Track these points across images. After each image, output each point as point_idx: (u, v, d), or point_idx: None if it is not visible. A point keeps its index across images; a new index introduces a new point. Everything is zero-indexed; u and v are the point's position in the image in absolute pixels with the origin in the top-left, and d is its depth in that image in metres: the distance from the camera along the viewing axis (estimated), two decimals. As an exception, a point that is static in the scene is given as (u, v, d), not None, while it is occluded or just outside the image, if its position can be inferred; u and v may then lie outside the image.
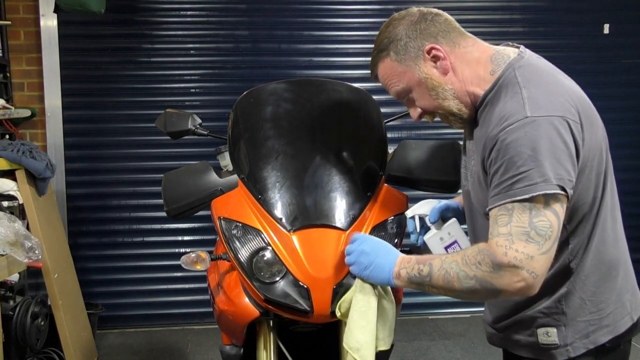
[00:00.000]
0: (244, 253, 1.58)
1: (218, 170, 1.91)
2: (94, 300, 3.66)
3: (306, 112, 1.85)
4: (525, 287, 1.17)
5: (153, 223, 3.87)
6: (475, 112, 1.34)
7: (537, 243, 1.15)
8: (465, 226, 1.51)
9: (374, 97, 1.96)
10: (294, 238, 1.56)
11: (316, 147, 1.76)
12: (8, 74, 3.64)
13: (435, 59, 1.32)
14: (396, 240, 1.63)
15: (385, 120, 1.92)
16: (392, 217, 1.67)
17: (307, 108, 1.86)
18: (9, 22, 3.62)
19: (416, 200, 1.63)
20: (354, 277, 1.45)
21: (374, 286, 1.42)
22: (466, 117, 1.35)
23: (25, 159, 2.91)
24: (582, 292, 1.30)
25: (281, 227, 1.59)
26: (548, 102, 1.21)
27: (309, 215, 1.61)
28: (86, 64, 3.78)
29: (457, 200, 1.59)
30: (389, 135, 1.91)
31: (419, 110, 1.39)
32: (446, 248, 1.50)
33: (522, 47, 1.36)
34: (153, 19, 3.85)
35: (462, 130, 1.46)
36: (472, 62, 1.33)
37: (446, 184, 1.77)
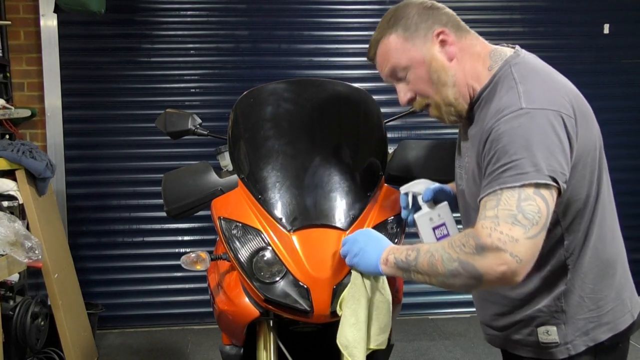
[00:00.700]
0: (244, 253, 1.58)
1: (218, 170, 1.91)
2: (94, 300, 3.66)
3: (306, 112, 1.85)
4: (507, 271, 1.12)
5: (153, 223, 3.87)
6: (471, 108, 1.35)
7: (523, 226, 1.12)
8: (457, 214, 1.51)
9: (374, 97, 1.96)
10: (294, 238, 1.56)
11: (316, 147, 1.76)
12: (8, 74, 3.64)
13: (443, 43, 1.32)
14: (396, 240, 1.63)
15: (385, 120, 1.92)
16: (392, 217, 1.67)
17: (307, 108, 1.86)
18: (9, 22, 3.62)
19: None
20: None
21: (366, 282, 1.42)
22: (460, 108, 1.34)
23: (25, 159, 2.91)
24: (581, 290, 1.30)
25: (281, 227, 1.59)
26: (543, 96, 1.21)
27: (309, 215, 1.61)
28: (86, 64, 3.78)
29: (450, 187, 1.59)
30: (389, 135, 1.91)
31: (410, 94, 1.37)
32: (434, 229, 1.51)
33: (517, 46, 1.37)
34: (153, 19, 3.85)
35: None
36: (473, 55, 1.34)
37: (446, 184, 1.77)
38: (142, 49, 3.84)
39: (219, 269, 1.77)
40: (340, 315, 1.48)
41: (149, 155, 3.85)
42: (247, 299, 1.62)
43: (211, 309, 1.83)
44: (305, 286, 1.51)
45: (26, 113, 3.47)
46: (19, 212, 2.99)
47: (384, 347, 1.49)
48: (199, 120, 2.06)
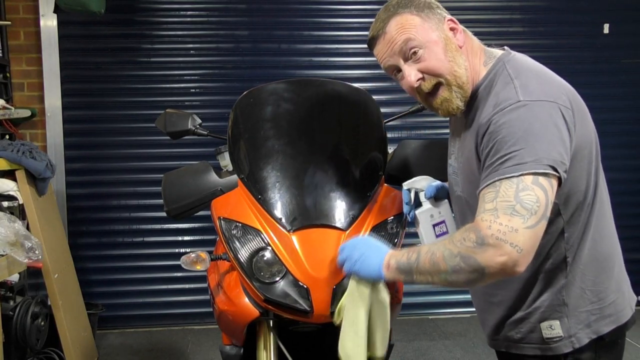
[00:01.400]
0: (243, 253, 1.58)
1: (218, 170, 1.91)
2: (94, 300, 3.66)
3: (306, 112, 1.85)
4: (509, 261, 1.13)
5: (153, 223, 3.87)
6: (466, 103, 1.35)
7: (522, 216, 1.13)
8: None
9: (374, 97, 1.96)
10: (294, 238, 1.57)
11: (316, 147, 1.76)
12: (8, 74, 3.64)
13: (454, 31, 1.33)
14: (396, 240, 1.64)
15: (385, 120, 1.92)
16: (392, 217, 1.67)
17: (307, 108, 1.86)
18: (9, 22, 3.62)
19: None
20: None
21: (364, 290, 1.40)
22: (466, 96, 1.32)
23: (25, 159, 2.91)
24: (582, 282, 1.31)
25: (281, 227, 1.59)
26: (540, 89, 1.23)
27: (308, 215, 1.61)
28: (86, 64, 3.78)
29: None
30: (389, 135, 1.91)
31: (419, 74, 1.30)
32: (434, 226, 1.54)
33: (506, 47, 1.39)
34: (153, 19, 3.85)
35: None
36: (473, 49, 1.36)
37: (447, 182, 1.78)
38: (142, 49, 3.84)
39: (219, 269, 1.77)
40: (338, 324, 1.46)
41: (149, 155, 3.85)
42: (247, 299, 1.63)
43: (211, 309, 1.83)
44: (305, 286, 1.51)
45: (26, 113, 3.47)
46: (19, 213, 2.99)
47: (383, 354, 1.49)
48: (199, 121, 2.06)
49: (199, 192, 1.83)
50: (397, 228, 1.65)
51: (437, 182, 1.57)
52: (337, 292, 1.51)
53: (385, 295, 1.43)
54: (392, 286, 1.56)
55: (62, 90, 3.73)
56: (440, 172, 1.69)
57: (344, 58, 3.93)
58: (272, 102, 1.88)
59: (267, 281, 1.55)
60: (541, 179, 1.15)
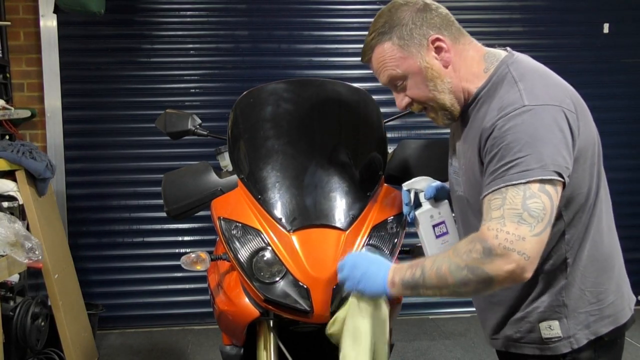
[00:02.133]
0: (243, 253, 1.58)
1: (218, 170, 1.91)
2: (94, 300, 3.66)
3: (306, 112, 1.85)
4: (517, 269, 1.14)
5: (153, 223, 3.87)
6: (466, 109, 1.35)
7: (529, 225, 1.14)
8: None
9: (374, 97, 1.96)
10: (294, 238, 1.57)
11: (316, 147, 1.76)
12: (8, 75, 3.64)
13: (439, 50, 1.32)
14: (396, 240, 1.64)
15: (385, 120, 1.92)
16: (392, 217, 1.67)
17: (307, 108, 1.86)
18: (9, 23, 3.62)
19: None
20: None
21: (366, 308, 1.38)
22: (456, 113, 1.36)
23: (25, 160, 2.91)
24: (582, 283, 1.31)
25: (281, 227, 1.59)
26: (544, 92, 1.23)
27: (308, 215, 1.61)
28: (86, 64, 3.78)
29: None
30: (389, 135, 1.91)
31: (407, 99, 1.38)
32: (434, 226, 1.54)
33: (508, 48, 1.38)
34: (153, 19, 3.85)
35: None
36: (468, 59, 1.35)
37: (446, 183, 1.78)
38: (142, 50, 3.84)
39: (219, 269, 1.77)
40: (332, 334, 1.45)
41: (149, 155, 3.85)
42: (247, 299, 1.63)
43: (211, 309, 1.83)
44: (305, 286, 1.51)
45: (26, 114, 3.47)
46: (19, 213, 2.99)
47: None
48: (199, 121, 2.06)
49: (199, 193, 1.83)
50: (397, 228, 1.65)
51: (437, 183, 1.57)
52: (337, 292, 1.51)
53: (385, 311, 1.42)
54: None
55: (62, 90, 3.73)
56: (440, 172, 1.69)
57: (344, 58, 3.93)
58: (272, 102, 1.88)
59: (267, 281, 1.55)
60: (547, 185, 1.15)
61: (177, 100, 3.84)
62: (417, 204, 1.58)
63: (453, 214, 1.54)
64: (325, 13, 3.94)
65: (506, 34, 3.96)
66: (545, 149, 1.16)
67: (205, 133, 2.04)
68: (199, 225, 3.86)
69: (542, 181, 1.15)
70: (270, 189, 1.66)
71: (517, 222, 1.14)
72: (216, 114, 3.56)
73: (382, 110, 1.93)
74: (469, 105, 1.34)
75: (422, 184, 1.58)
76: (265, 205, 1.63)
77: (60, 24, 3.68)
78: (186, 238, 3.92)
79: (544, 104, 1.20)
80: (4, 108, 3.31)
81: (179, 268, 1.71)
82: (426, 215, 1.55)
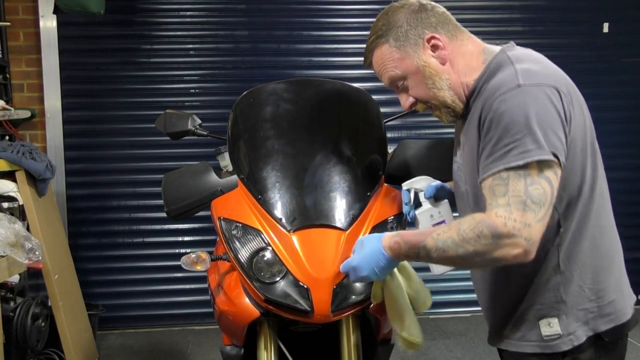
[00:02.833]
0: (244, 253, 1.58)
1: (218, 170, 1.92)
2: (95, 301, 3.66)
3: (306, 112, 1.85)
4: (522, 253, 1.19)
5: (153, 224, 3.87)
6: (467, 103, 1.36)
7: (533, 211, 1.17)
8: (456, 214, 1.52)
9: (374, 97, 1.96)
10: (294, 238, 1.57)
11: (316, 147, 1.76)
12: (8, 75, 3.64)
13: (435, 48, 1.35)
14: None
15: (385, 120, 1.92)
16: (392, 217, 1.67)
17: (306, 108, 1.86)
18: (9, 23, 3.62)
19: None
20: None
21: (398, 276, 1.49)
22: (458, 109, 1.38)
23: (25, 160, 2.91)
24: (580, 280, 1.31)
25: (281, 227, 1.59)
26: (540, 73, 1.25)
27: (308, 215, 1.61)
28: (86, 64, 3.78)
29: (450, 185, 1.61)
30: (389, 135, 1.91)
31: (411, 99, 1.41)
32: (434, 225, 1.55)
33: (512, 42, 1.40)
34: (152, 19, 3.85)
35: None
36: (466, 54, 1.36)
37: (446, 182, 1.78)
38: (142, 50, 3.83)
39: (219, 270, 1.77)
40: (375, 301, 1.53)
41: (149, 155, 3.85)
42: (247, 300, 1.63)
43: (212, 310, 1.83)
44: (306, 286, 1.51)
45: (26, 114, 3.47)
46: (19, 213, 2.99)
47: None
48: (199, 121, 2.06)
49: (199, 193, 1.83)
50: (397, 228, 1.65)
51: (437, 182, 1.58)
52: (337, 292, 1.51)
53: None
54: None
55: (61, 91, 3.73)
56: (440, 172, 1.70)
57: (344, 58, 3.93)
58: (271, 102, 1.88)
59: (267, 281, 1.54)
60: (546, 169, 1.18)
61: (177, 100, 3.84)
62: (417, 204, 1.58)
63: (453, 213, 1.54)
64: (324, 13, 3.94)
65: (506, 33, 3.96)
66: (541, 129, 1.18)
67: (205, 133, 2.04)
68: (199, 226, 3.86)
69: (540, 163, 1.17)
70: (270, 189, 1.66)
71: (523, 210, 1.17)
72: (216, 114, 3.56)
73: (382, 110, 1.93)
74: (469, 98, 1.35)
75: (422, 183, 1.59)
76: (266, 205, 1.63)
77: (60, 24, 3.68)
78: (186, 238, 3.92)
79: (539, 83, 1.22)
80: (4, 108, 3.31)
81: (179, 268, 1.71)
82: (426, 214, 1.55)
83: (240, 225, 1.62)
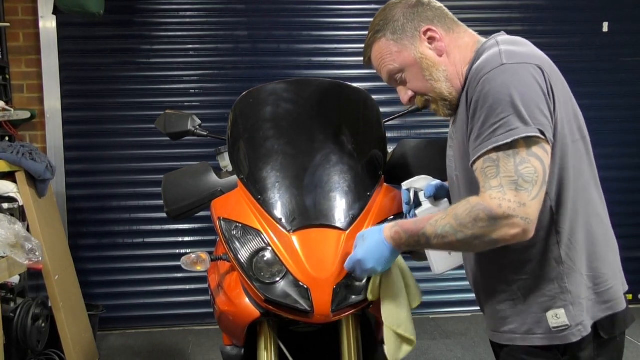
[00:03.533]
0: (244, 254, 1.58)
1: (218, 170, 1.92)
2: (95, 301, 3.66)
3: (306, 112, 1.85)
4: (521, 232, 1.20)
5: (153, 224, 3.88)
6: (461, 94, 1.37)
7: (526, 190, 1.19)
8: None
9: (374, 97, 1.96)
10: (294, 238, 1.57)
11: (316, 147, 1.76)
12: (7, 76, 3.64)
13: (431, 40, 1.37)
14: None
15: (384, 120, 1.92)
16: (392, 217, 1.67)
17: (306, 108, 1.86)
18: (8, 24, 3.62)
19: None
20: (353, 277, 1.49)
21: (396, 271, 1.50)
22: (455, 102, 1.39)
23: (25, 161, 2.91)
24: (581, 267, 1.31)
25: (281, 228, 1.59)
26: (524, 53, 1.27)
27: (308, 216, 1.61)
28: (85, 65, 3.78)
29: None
30: (388, 135, 1.91)
31: (410, 92, 1.42)
32: None
33: (503, 32, 1.42)
34: (152, 20, 3.85)
35: None
36: (462, 46, 1.38)
37: (446, 182, 1.78)
38: (142, 50, 3.84)
39: (219, 270, 1.77)
40: (372, 298, 1.54)
41: (148, 156, 3.85)
42: (247, 300, 1.63)
43: (212, 310, 1.83)
44: (306, 286, 1.51)
45: (26, 115, 3.47)
46: (19, 214, 2.99)
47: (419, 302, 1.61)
48: (199, 121, 2.06)
49: (199, 193, 1.84)
50: (397, 227, 1.65)
51: (437, 182, 1.58)
52: (337, 292, 1.51)
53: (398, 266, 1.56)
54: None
55: (61, 91, 3.73)
56: (440, 172, 1.69)
57: (343, 58, 3.93)
58: (271, 102, 1.88)
59: (267, 281, 1.54)
60: (534, 146, 1.20)
61: (176, 100, 3.84)
62: (417, 203, 1.58)
63: None
64: (324, 13, 3.95)
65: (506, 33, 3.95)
66: (525, 107, 1.19)
67: (205, 133, 2.04)
68: (199, 226, 3.86)
69: (527, 140, 1.19)
70: (270, 189, 1.66)
71: (516, 190, 1.19)
72: (216, 115, 3.56)
73: (382, 110, 1.93)
74: (463, 87, 1.36)
75: (422, 183, 1.59)
76: (265, 205, 1.63)
77: (59, 25, 3.68)
78: (186, 239, 3.92)
79: (522, 62, 1.24)
80: (4, 109, 3.31)
81: (179, 269, 1.71)
82: (426, 214, 1.55)
83: (240, 225, 1.62)
